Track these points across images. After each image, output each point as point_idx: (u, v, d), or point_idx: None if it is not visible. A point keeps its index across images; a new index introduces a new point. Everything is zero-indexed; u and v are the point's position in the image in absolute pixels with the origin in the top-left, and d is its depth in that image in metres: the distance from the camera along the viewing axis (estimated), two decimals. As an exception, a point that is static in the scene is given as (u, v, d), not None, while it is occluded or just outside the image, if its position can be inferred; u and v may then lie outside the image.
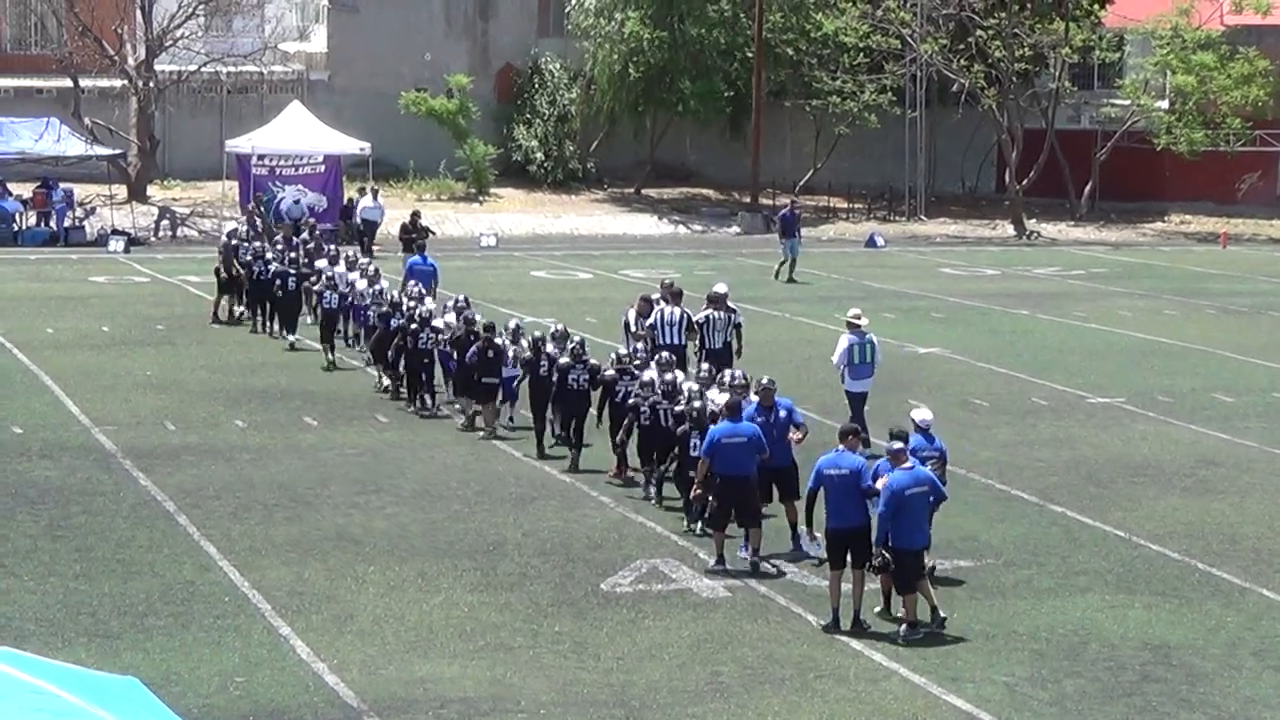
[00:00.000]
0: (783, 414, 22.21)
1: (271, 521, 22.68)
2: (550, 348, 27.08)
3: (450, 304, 30.71)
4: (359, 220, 53.52)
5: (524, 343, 27.94)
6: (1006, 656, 18.08)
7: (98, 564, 20.67)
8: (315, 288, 35.27)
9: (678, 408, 23.23)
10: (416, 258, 38.74)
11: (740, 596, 19.87)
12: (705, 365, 25.67)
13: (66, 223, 56.05)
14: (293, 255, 38.10)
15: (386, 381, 31.03)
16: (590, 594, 19.85)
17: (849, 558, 19.01)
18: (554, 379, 26.36)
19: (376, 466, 25.77)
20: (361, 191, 54.91)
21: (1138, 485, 25.44)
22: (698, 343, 28.84)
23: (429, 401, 29.75)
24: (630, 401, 23.94)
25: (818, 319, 40.58)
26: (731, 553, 20.94)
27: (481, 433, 27.97)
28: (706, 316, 28.98)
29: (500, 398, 28.19)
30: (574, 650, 18.00)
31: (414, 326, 29.75)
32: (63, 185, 56.37)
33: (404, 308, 30.86)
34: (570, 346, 26.54)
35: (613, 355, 26.23)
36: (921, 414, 20.99)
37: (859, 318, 27.54)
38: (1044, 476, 25.75)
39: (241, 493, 24.09)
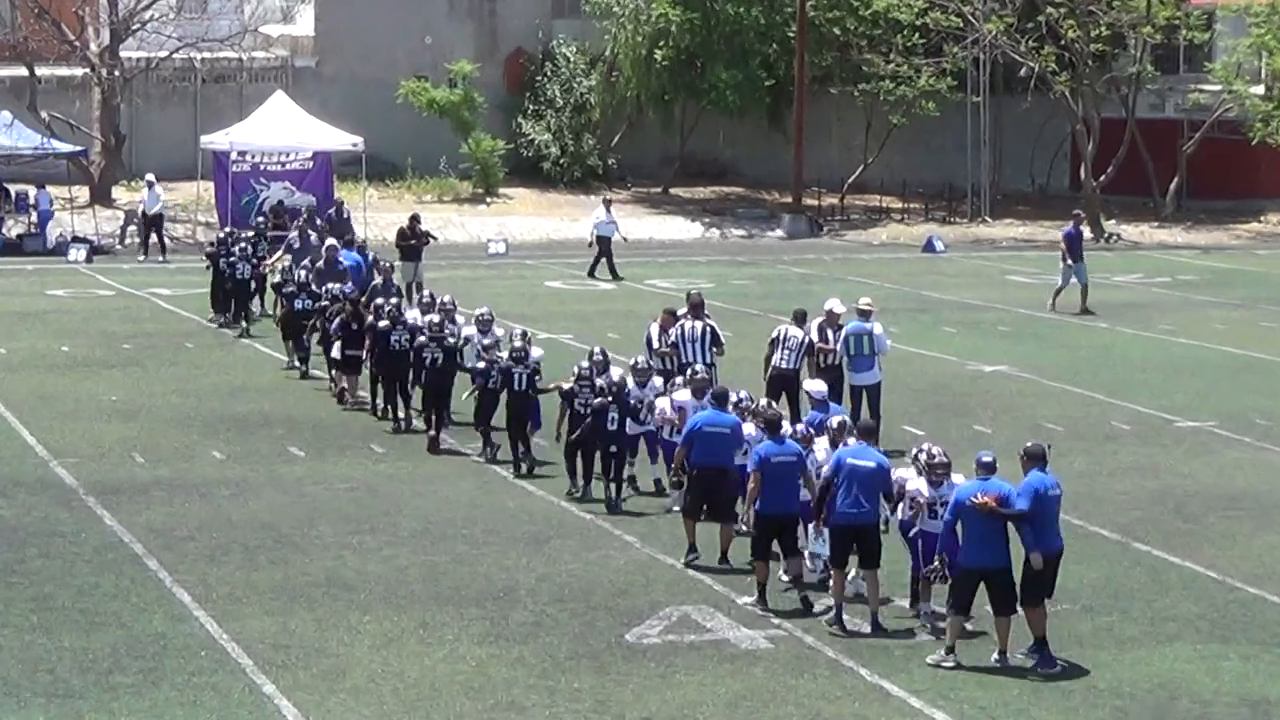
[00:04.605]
0: None
1: (253, 565, 22.69)
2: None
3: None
4: (592, 237, 52.14)
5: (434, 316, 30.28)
6: (1085, 714, 18.04)
7: (57, 614, 20.69)
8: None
9: (598, 381, 25.31)
10: (349, 252, 39.07)
11: (783, 648, 19.84)
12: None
13: (20, 230, 56.22)
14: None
15: (296, 362, 35.01)
16: (613, 646, 19.84)
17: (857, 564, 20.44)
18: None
19: (371, 502, 25.79)
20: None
21: (1232, 520, 25.37)
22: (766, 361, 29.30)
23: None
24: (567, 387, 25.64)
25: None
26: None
27: (349, 404, 31.77)
28: (781, 332, 29.41)
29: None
30: (595, 709, 17.99)
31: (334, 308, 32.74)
32: (30, 189, 56.64)
33: (311, 289, 34.65)
34: (388, 310, 30.54)
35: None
36: (816, 386, 24.62)
37: (869, 305, 29.54)
38: (1126, 511, 25.71)
39: (219, 533, 24.10)
